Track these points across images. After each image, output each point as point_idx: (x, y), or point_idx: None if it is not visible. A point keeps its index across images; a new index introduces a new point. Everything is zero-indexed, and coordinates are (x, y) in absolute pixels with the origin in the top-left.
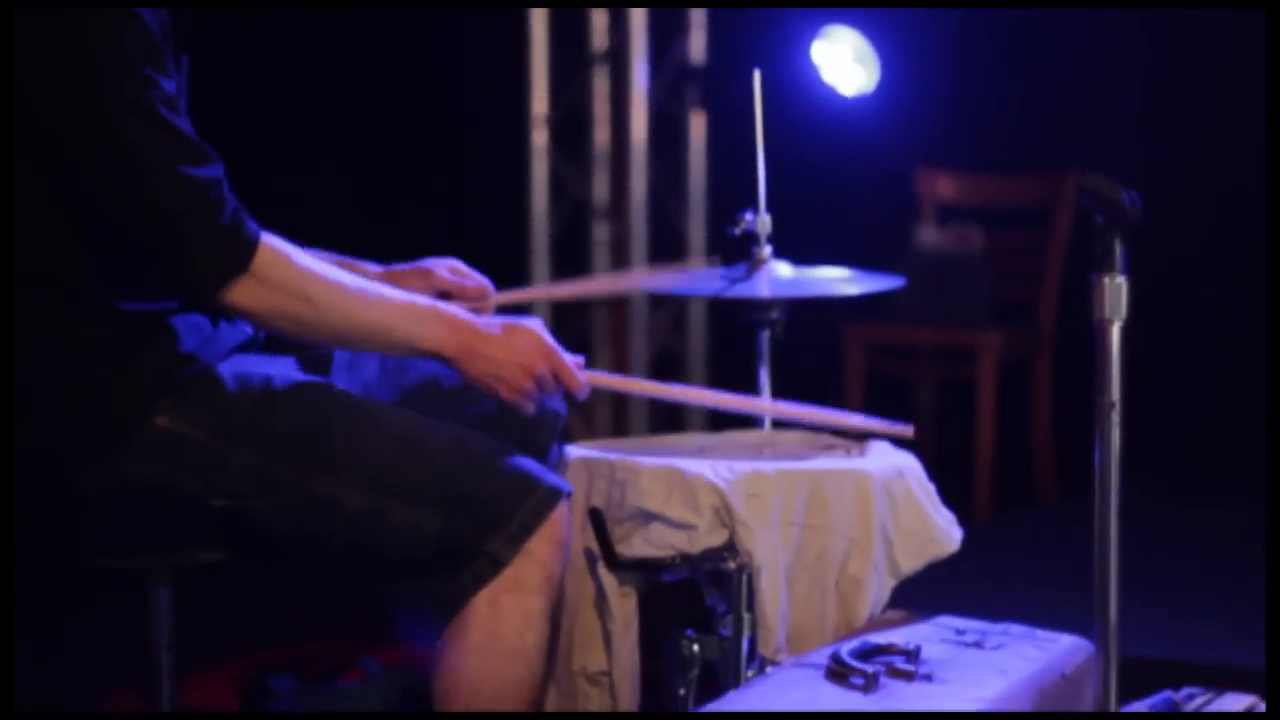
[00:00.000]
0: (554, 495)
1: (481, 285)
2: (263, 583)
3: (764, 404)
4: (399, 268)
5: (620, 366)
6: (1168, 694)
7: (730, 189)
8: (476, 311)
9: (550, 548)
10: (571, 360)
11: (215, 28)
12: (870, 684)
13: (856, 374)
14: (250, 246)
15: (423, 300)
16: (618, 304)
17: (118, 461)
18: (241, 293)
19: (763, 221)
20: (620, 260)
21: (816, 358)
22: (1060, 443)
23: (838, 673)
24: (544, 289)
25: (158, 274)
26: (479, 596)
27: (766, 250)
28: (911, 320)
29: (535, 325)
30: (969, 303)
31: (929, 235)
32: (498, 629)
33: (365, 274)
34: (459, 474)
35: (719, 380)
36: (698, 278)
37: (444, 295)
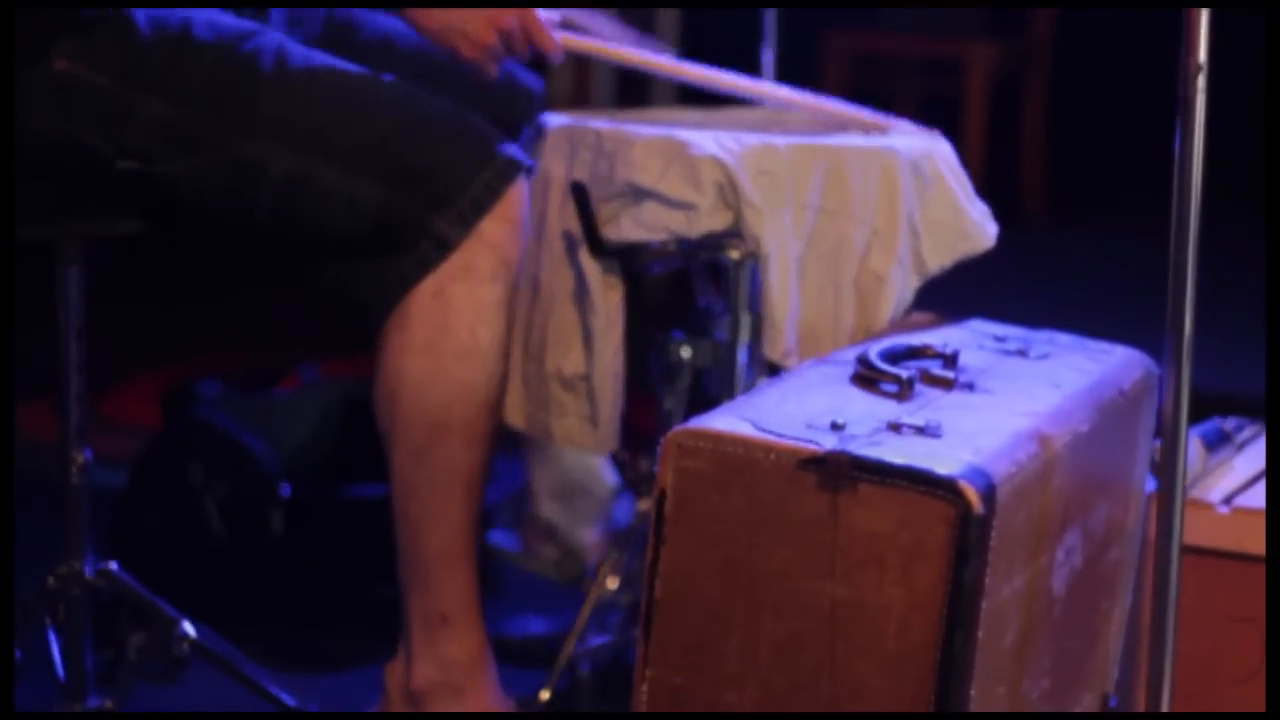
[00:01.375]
0: (512, 168)
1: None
2: (187, 287)
3: (751, 85)
4: None
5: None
6: (1216, 422)
7: None
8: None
9: (506, 229)
10: (546, 16)
11: None
12: (905, 391)
13: (836, 84)
14: None
15: None
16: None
17: (17, 114)
18: None
19: None
20: None
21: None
22: (1052, 166)
23: (866, 377)
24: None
25: None
26: (423, 286)
27: None
28: (896, 28)
29: None
30: (958, 10)
31: None
32: (445, 323)
33: None
34: (403, 138)
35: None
36: None
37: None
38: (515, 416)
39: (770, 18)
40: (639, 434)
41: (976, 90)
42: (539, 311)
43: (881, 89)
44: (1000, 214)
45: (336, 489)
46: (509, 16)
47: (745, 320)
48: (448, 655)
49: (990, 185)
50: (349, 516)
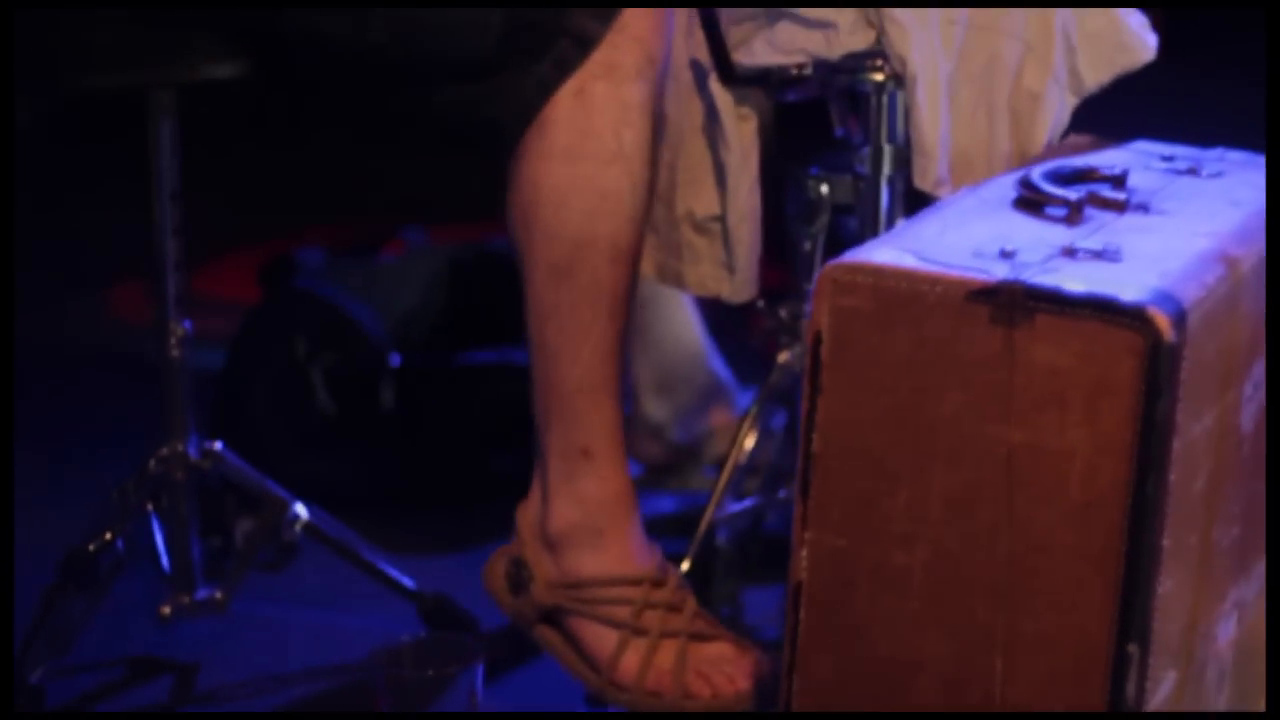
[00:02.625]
0: None
1: None
2: (282, 164)
3: None
4: None
5: None
6: None
7: None
8: None
9: (651, 21)
10: None
11: None
12: (1075, 214)
13: None
14: None
15: None
16: None
17: None
18: None
19: None
20: None
21: None
22: None
23: (1031, 201)
24: None
25: None
26: (564, 87)
27: None
28: None
29: None
30: None
31: None
32: (588, 125)
33: None
34: None
35: None
36: None
37: None
38: (645, 264)
39: None
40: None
41: None
42: (667, 149)
43: None
44: None
45: (448, 357)
46: None
47: (887, 152)
48: (588, 493)
49: None
50: (463, 385)
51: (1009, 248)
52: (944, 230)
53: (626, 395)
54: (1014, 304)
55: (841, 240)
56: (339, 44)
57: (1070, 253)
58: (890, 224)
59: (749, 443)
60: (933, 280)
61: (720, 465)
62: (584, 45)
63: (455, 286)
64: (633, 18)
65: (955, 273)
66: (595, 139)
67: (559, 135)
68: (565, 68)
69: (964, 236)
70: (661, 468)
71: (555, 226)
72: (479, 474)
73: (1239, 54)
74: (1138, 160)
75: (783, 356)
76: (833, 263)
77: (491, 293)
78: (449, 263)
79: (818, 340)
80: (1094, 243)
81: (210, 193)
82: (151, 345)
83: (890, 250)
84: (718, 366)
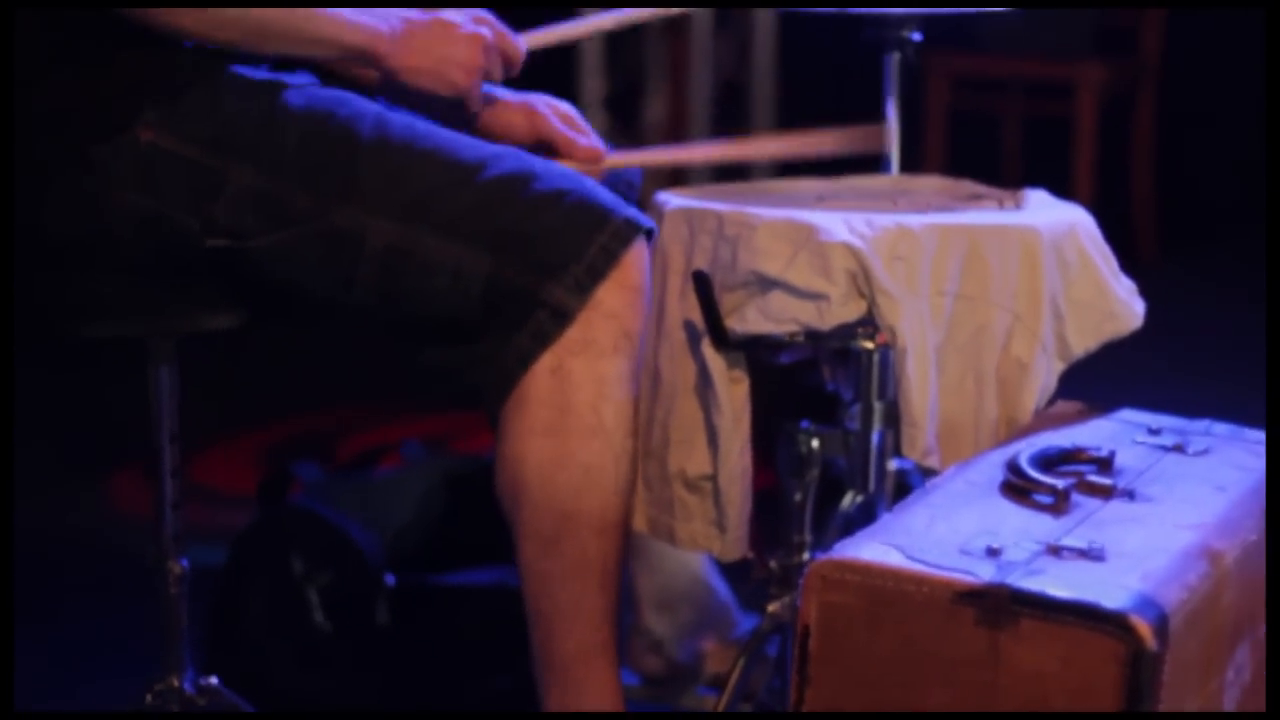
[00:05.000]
0: (630, 229)
1: (595, 148)
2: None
3: (745, 149)
4: (501, 95)
5: (679, 101)
6: None
7: None
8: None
9: (626, 296)
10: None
11: None
12: (1061, 503)
13: (938, 109)
14: None
15: None
16: (676, 30)
17: (94, 192)
18: None
19: None
20: None
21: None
22: (1163, 192)
23: (1018, 487)
24: (659, 152)
25: None
26: (540, 362)
27: None
28: (1001, 49)
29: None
30: (1065, 28)
31: None
32: (567, 402)
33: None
34: (512, 202)
35: (790, 116)
36: None
37: (547, 149)
38: (637, 519)
39: None
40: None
41: (1086, 112)
42: (660, 406)
43: (986, 111)
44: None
45: (445, 574)
46: (483, 54)
47: (878, 408)
48: None
49: (1101, 214)
50: (460, 605)
51: (995, 544)
52: (932, 521)
53: (626, 606)
54: (999, 607)
55: (832, 478)
56: (328, 302)
57: (1056, 550)
58: (880, 477)
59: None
60: (919, 580)
61: (717, 685)
62: (560, 319)
63: (452, 502)
64: (607, 294)
65: (942, 573)
66: (575, 415)
67: (540, 412)
68: (543, 340)
69: (951, 529)
70: (658, 681)
71: (541, 500)
72: (475, 694)
73: (1224, 323)
74: (1124, 433)
75: (773, 607)
76: (821, 558)
77: (488, 509)
78: (446, 477)
79: (806, 634)
80: (1080, 538)
81: (210, 375)
82: (148, 542)
83: (878, 545)
84: (719, 586)
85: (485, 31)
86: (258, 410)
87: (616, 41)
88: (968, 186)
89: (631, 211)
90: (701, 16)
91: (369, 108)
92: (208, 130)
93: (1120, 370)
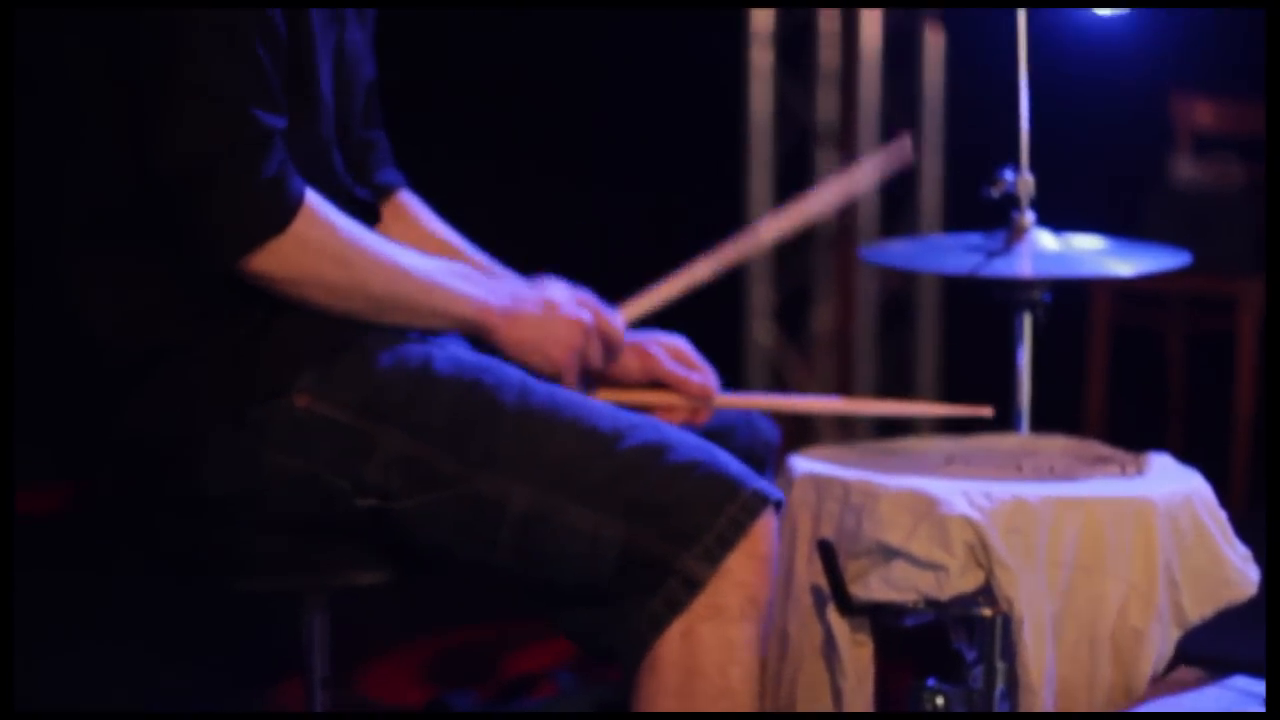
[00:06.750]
0: (758, 501)
1: (706, 384)
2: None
3: (852, 405)
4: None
5: (845, 314)
6: None
7: (968, 112)
8: (694, 415)
9: (754, 565)
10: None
11: None
12: None
13: (1100, 324)
14: (295, 203)
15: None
16: (844, 239)
17: (250, 451)
18: (274, 255)
19: (1025, 183)
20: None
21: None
22: None
23: None
24: (768, 398)
25: (172, 224)
26: (671, 627)
27: (1029, 218)
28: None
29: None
30: (1229, 245)
31: (1184, 168)
32: (695, 664)
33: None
34: (647, 472)
35: (955, 330)
36: (940, 246)
37: (658, 385)
38: None
39: None
40: None
41: (1248, 327)
42: (788, 666)
43: (1150, 325)
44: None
45: None
46: (583, 336)
47: (1000, 669)
48: None
49: (1264, 438)
50: None
51: None
52: None
53: None
54: None
55: None
56: (471, 562)
57: None
58: None
59: None
60: None
61: None
62: (691, 587)
63: None
64: (736, 563)
65: None
66: (704, 678)
67: (670, 674)
68: (674, 606)
69: None
70: None
71: None
72: None
73: None
74: (1237, 702)
75: None
76: None
77: None
78: (597, 705)
79: None
80: None
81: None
82: None
83: None
84: None
85: (586, 316)
86: (422, 619)
87: (784, 250)
88: (1093, 448)
89: (761, 483)
90: (869, 225)
91: (513, 376)
92: (359, 395)
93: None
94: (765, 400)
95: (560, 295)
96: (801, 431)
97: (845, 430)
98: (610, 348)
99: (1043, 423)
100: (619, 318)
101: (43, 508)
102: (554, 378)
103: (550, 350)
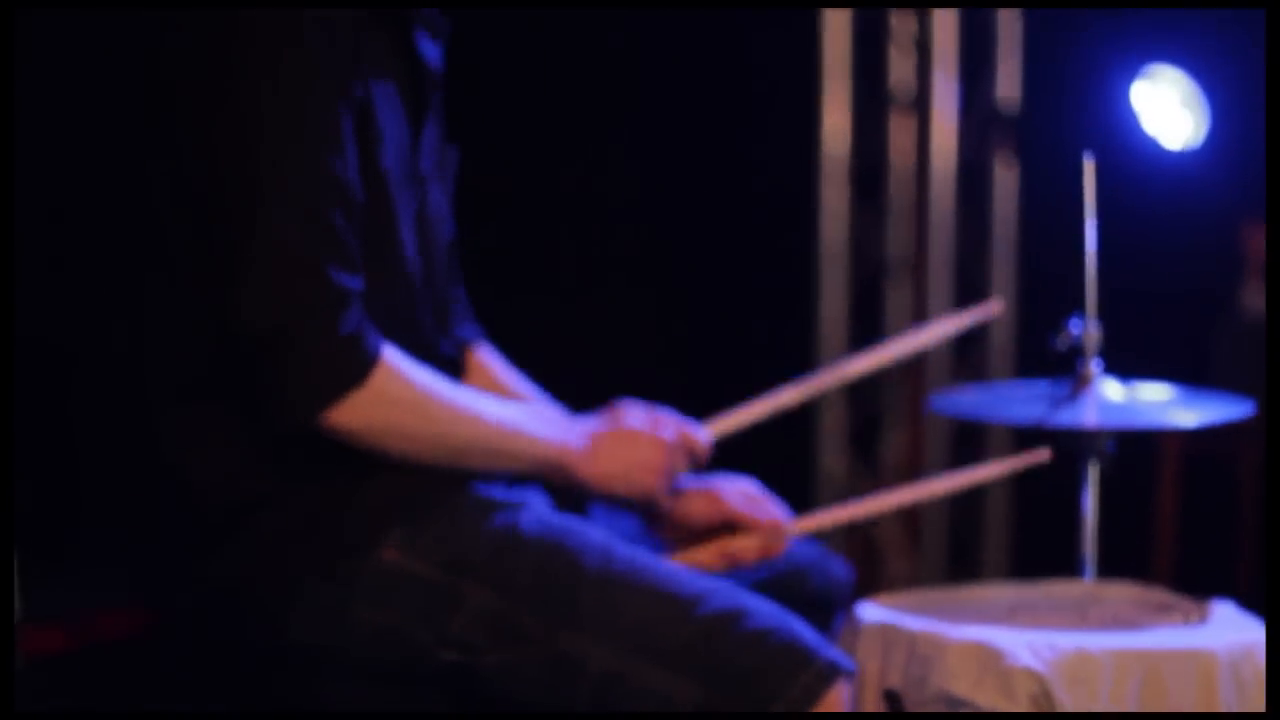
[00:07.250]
0: (831, 672)
1: (776, 520)
2: None
3: (916, 491)
4: (683, 483)
5: (916, 441)
6: None
7: (1040, 245)
8: (768, 550)
9: None
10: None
11: None
12: None
13: (1171, 461)
14: (372, 358)
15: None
16: (916, 368)
17: (338, 603)
18: (353, 409)
19: (1090, 337)
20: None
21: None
22: None
23: None
24: (837, 511)
25: (253, 383)
26: None
27: (1094, 368)
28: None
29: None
30: None
31: (1256, 298)
32: None
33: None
34: (723, 639)
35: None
36: (1007, 395)
37: (729, 527)
38: None
39: None
40: None
41: None
42: None
43: (1220, 453)
44: None
45: None
46: (666, 455)
47: None
48: None
49: None
50: None
51: None
52: None
53: None
54: None
55: None
56: (544, 712)
57: None
58: None
59: None
60: None
61: None
62: None
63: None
64: None
65: None
66: None
67: None
68: None
69: None
70: None
71: None
72: None
73: None
74: None
75: None
76: None
77: None
78: None
79: None
80: None
81: None
82: None
83: None
84: None
85: (667, 434)
86: None
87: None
88: (1157, 596)
89: (834, 653)
90: (940, 359)
91: (596, 539)
92: (447, 551)
93: None
94: (834, 515)
95: (637, 420)
96: (871, 560)
97: (915, 561)
98: (695, 458)
99: (1111, 564)
100: (704, 431)
101: (117, 633)
102: (645, 501)
103: (635, 476)
